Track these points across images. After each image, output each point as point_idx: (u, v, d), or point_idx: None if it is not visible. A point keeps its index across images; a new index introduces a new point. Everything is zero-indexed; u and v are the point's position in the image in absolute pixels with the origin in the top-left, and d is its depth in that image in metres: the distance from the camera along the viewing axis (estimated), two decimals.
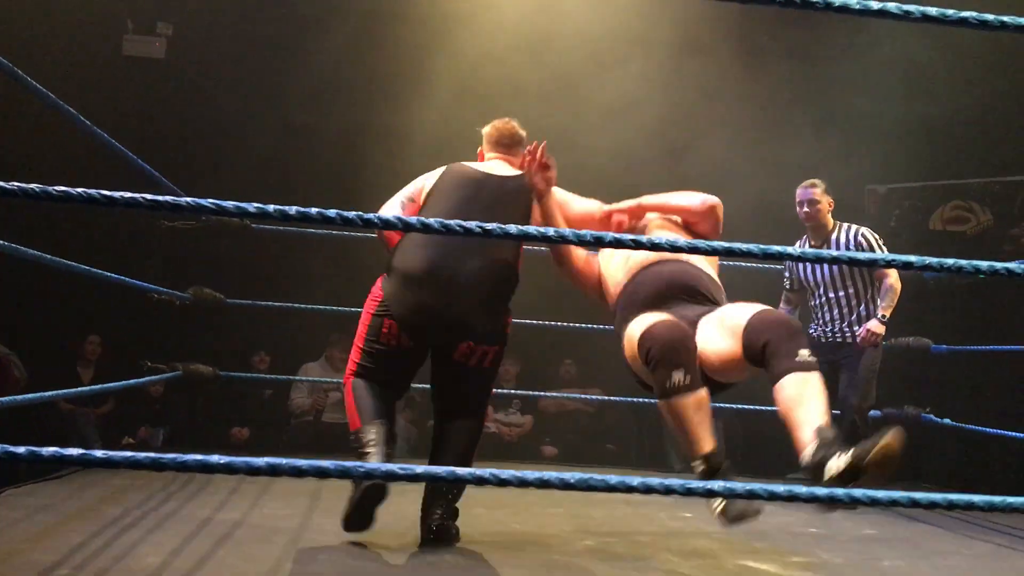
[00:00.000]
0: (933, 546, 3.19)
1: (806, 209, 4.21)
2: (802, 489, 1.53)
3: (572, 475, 1.41)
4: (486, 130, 3.11)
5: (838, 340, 4.13)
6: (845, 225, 4.23)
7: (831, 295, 4.15)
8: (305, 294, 5.25)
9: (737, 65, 5.99)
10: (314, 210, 1.40)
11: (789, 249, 1.56)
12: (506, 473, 1.41)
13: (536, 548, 2.84)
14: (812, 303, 4.25)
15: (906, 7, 1.48)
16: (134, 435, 5.54)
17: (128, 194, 1.43)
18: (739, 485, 1.50)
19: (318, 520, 3.05)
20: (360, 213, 1.44)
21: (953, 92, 5.83)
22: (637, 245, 1.56)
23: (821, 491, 1.69)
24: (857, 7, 1.46)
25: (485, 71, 5.90)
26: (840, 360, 4.11)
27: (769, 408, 4.96)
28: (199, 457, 1.34)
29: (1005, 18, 1.55)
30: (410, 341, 2.78)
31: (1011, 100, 5.93)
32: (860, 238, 4.17)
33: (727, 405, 5.18)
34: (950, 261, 1.53)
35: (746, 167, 6.00)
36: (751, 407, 5.07)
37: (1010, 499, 1.59)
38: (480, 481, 1.41)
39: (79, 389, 3.51)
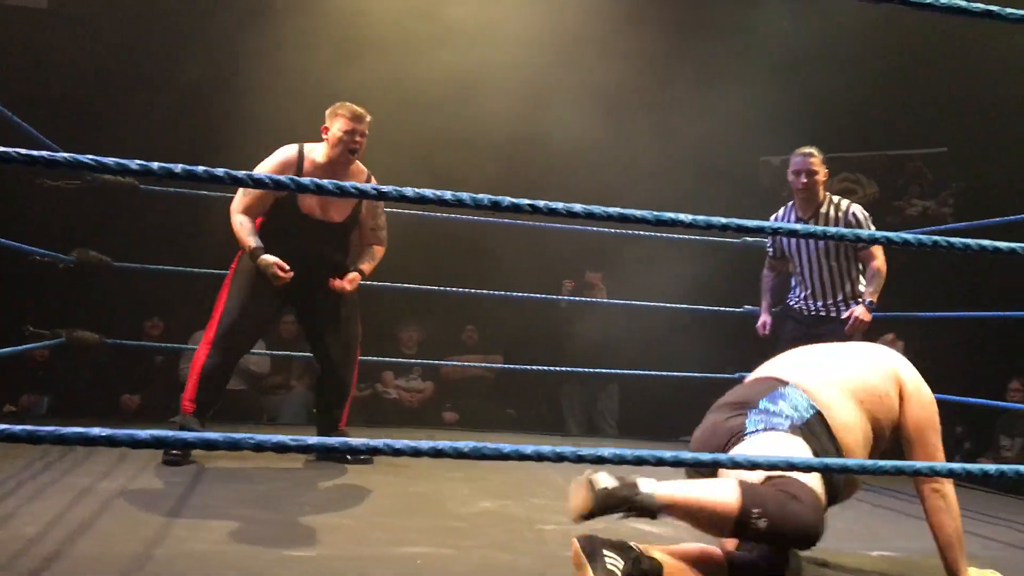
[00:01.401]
0: None
1: (804, 180, 3.93)
2: (687, 455, 1.57)
3: (466, 444, 1.41)
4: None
5: (820, 315, 3.98)
6: (836, 198, 4.00)
7: (814, 269, 3.97)
8: (201, 258, 5.10)
9: (639, 34, 6.03)
10: (201, 168, 1.35)
11: (681, 216, 1.58)
12: (400, 443, 1.40)
13: (433, 511, 2.85)
14: (795, 275, 4.09)
15: None
16: (16, 403, 5.31)
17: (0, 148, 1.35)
18: (628, 451, 1.51)
19: (206, 488, 2.99)
20: (250, 173, 1.39)
21: (841, 69, 6.03)
22: (534, 209, 1.56)
23: (705, 456, 1.75)
24: None
25: (375, 25, 5.80)
26: (823, 335, 3.85)
27: (665, 373, 5.14)
28: (79, 430, 1.28)
29: None
30: None
31: (895, 78, 6.16)
32: (851, 216, 3.93)
33: (623, 372, 5.30)
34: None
35: (644, 136, 6.07)
36: (647, 372, 5.20)
37: (889, 463, 1.67)
38: (374, 451, 1.40)
39: None
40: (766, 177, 6.62)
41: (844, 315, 3.91)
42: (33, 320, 4.27)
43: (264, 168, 3.47)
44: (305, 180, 1.40)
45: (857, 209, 3.96)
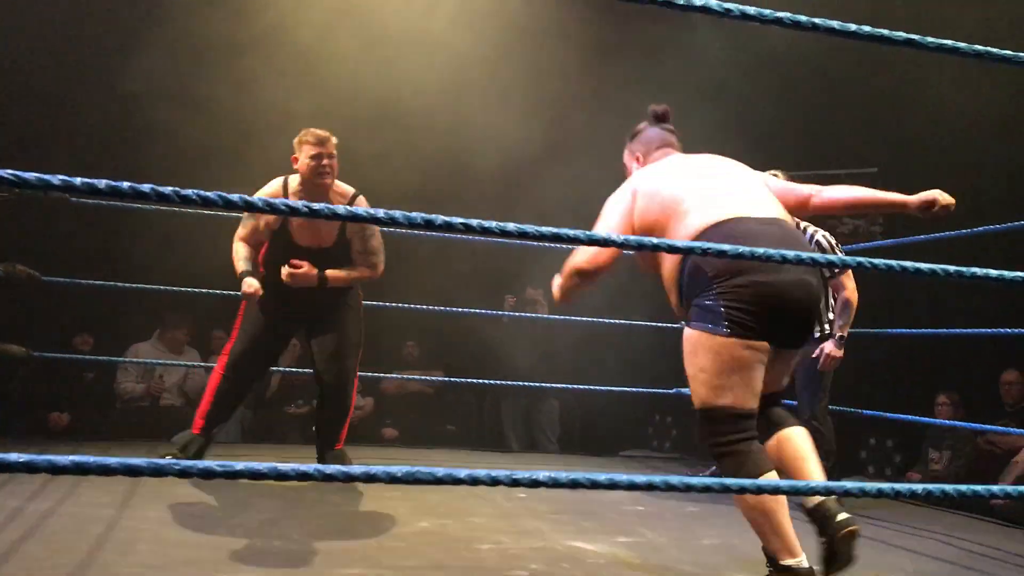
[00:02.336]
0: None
1: None
2: (622, 477, 1.58)
3: (399, 468, 1.39)
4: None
5: None
6: (803, 225, 3.85)
7: None
8: (132, 272, 4.99)
9: (570, 52, 6.04)
10: (126, 184, 1.32)
11: (613, 236, 1.59)
12: (331, 468, 1.40)
13: (370, 532, 2.82)
14: None
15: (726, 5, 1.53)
16: None
17: None
18: (563, 474, 1.49)
19: (137, 509, 2.92)
20: (177, 189, 1.36)
21: (775, 91, 6.14)
22: (467, 228, 1.55)
23: (640, 479, 1.75)
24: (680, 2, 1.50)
25: (300, 36, 5.76)
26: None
27: (606, 388, 5.17)
28: None
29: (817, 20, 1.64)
30: None
31: (827, 100, 6.31)
32: (814, 244, 3.82)
33: (564, 386, 5.32)
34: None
35: (575, 152, 6.10)
36: (586, 387, 5.22)
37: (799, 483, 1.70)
38: (304, 477, 1.39)
39: None
40: None
41: (813, 354, 3.80)
42: None
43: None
44: (233, 197, 1.38)
45: (823, 234, 3.86)
